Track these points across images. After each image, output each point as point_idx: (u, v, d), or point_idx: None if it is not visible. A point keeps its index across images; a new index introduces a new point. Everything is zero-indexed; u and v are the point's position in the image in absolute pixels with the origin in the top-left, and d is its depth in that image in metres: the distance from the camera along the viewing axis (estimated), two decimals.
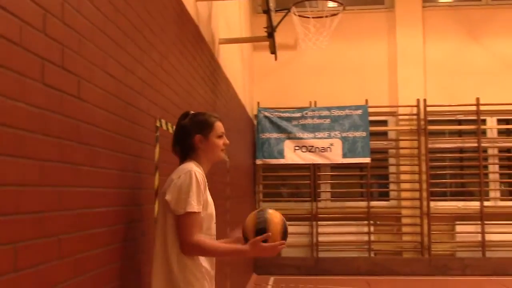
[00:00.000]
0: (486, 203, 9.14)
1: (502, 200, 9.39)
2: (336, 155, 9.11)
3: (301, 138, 9.18)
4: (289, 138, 9.22)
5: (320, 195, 9.52)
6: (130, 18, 2.62)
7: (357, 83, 9.56)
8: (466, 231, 9.11)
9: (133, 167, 2.65)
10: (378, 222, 9.31)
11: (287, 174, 9.81)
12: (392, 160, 9.71)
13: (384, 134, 9.77)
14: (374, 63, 9.65)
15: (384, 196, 9.75)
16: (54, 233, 1.78)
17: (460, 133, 9.75)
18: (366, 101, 9.28)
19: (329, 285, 8.12)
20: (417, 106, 9.37)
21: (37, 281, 1.65)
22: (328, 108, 9.24)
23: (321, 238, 9.21)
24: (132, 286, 2.63)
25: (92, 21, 2.12)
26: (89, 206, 2.08)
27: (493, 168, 9.52)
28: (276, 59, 6.75)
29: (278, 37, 6.50)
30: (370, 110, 9.22)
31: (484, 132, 9.44)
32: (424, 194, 9.20)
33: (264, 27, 6.01)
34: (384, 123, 9.73)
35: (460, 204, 9.33)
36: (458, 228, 9.15)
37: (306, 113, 9.27)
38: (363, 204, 9.28)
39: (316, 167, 9.38)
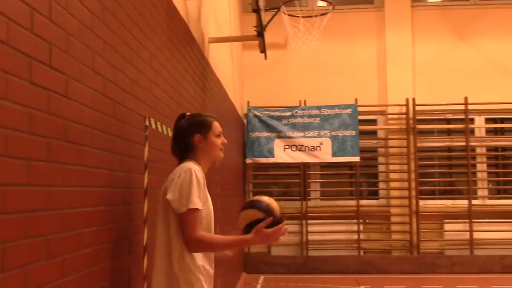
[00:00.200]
0: (474, 202, 9.22)
1: (490, 198, 9.48)
2: (325, 154, 9.14)
3: (291, 137, 9.19)
4: (279, 137, 9.23)
5: (310, 194, 9.55)
6: (118, 17, 2.61)
7: (347, 82, 9.59)
8: (455, 229, 9.18)
9: (122, 166, 2.64)
10: (368, 221, 9.35)
11: (277, 173, 9.82)
12: (381, 159, 9.76)
13: (373, 133, 9.82)
14: (364, 63, 9.69)
15: (374, 195, 9.80)
16: (42, 233, 1.76)
17: (448, 132, 9.82)
18: (356, 100, 9.32)
19: (318, 284, 8.14)
20: (406, 105, 9.42)
21: (24, 282, 1.64)
22: (318, 107, 9.26)
23: (311, 237, 9.23)
24: (122, 286, 2.62)
25: (80, 20, 2.11)
26: (78, 205, 2.07)
27: (481, 167, 9.60)
28: (266, 58, 6.75)
29: (268, 36, 6.50)
30: (360, 109, 9.26)
31: (472, 131, 9.52)
32: (413, 193, 9.25)
33: (254, 26, 6.01)
34: (374, 122, 9.78)
35: (449, 202, 9.40)
36: (447, 226, 9.22)
37: (296, 112, 9.28)
38: (353, 203, 9.32)
39: (306, 166, 9.40)
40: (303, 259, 9.12)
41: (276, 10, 6.69)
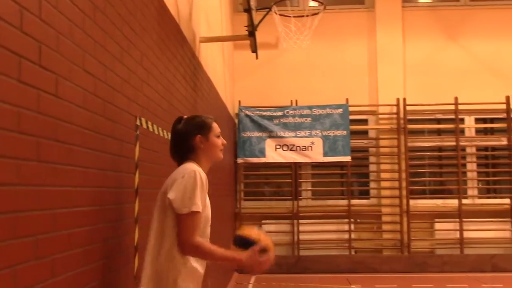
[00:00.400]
0: (464, 201, 9.27)
1: (479, 198, 9.54)
2: (317, 154, 9.15)
3: (282, 137, 9.20)
4: (270, 136, 9.23)
5: (301, 193, 9.56)
6: (109, 16, 2.59)
7: (338, 82, 9.62)
8: (445, 228, 9.23)
9: (113, 166, 2.63)
10: (359, 220, 9.38)
11: (268, 173, 9.82)
12: (372, 159, 9.79)
13: (364, 133, 9.85)
14: (355, 63, 9.72)
15: (365, 194, 9.83)
16: (31, 233, 1.75)
17: (439, 132, 9.88)
18: (347, 100, 9.34)
19: (310, 283, 8.16)
20: (397, 105, 9.46)
21: (13, 282, 1.63)
22: (309, 107, 9.28)
23: (302, 237, 9.24)
24: (112, 286, 2.61)
25: (70, 19, 2.09)
26: (68, 205, 2.06)
27: (471, 167, 9.66)
28: (257, 58, 6.75)
29: (259, 36, 6.51)
30: (351, 109, 9.29)
31: (462, 131, 9.58)
32: (404, 192, 9.29)
33: (245, 26, 6.01)
34: (365, 122, 9.81)
35: (439, 202, 9.45)
36: (437, 225, 9.27)
37: (287, 112, 9.29)
38: (344, 202, 9.34)
39: (297, 165, 9.41)
40: (295, 258, 9.13)
41: (267, 10, 6.70)
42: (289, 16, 7.36)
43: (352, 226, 9.24)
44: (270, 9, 6.77)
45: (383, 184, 9.55)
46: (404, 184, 9.31)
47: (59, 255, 1.96)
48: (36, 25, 1.81)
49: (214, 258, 2.45)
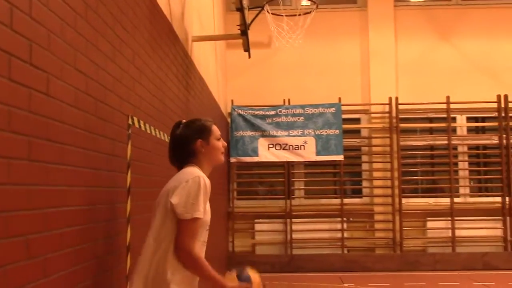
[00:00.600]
0: (456, 200, 9.32)
1: (471, 196, 9.59)
2: (309, 153, 9.16)
3: (275, 136, 9.20)
4: (263, 136, 9.23)
5: (294, 192, 9.57)
6: (101, 14, 2.58)
7: (330, 81, 9.63)
8: (437, 227, 9.28)
9: (105, 165, 2.62)
10: (351, 219, 9.40)
11: (261, 172, 9.82)
12: (365, 158, 9.82)
13: (357, 131, 9.87)
14: (347, 62, 9.74)
15: (357, 193, 9.86)
16: (22, 232, 1.74)
17: (431, 131, 9.92)
18: (339, 99, 9.36)
19: (303, 282, 8.17)
20: (389, 104, 9.49)
21: (4, 282, 1.62)
22: (302, 106, 9.28)
23: (295, 236, 9.26)
24: (105, 285, 2.60)
25: (61, 17, 2.08)
26: (59, 205, 2.05)
27: (463, 165, 9.71)
28: (249, 57, 6.75)
29: (252, 35, 6.50)
30: (343, 108, 9.30)
31: (454, 130, 9.63)
32: (396, 191, 9.33)
33: (238, 25, 6.00)
34: (357, 121, 9.83)
35: (431, 200, 9.50)
36: (429, 224, 9.31)
37: (280, 111, 9.29)
38: (337, 201, 9.36)
39: (290, 165, 9.42)
40: (288, 257, 9.14)
41: (260, 9, 6.69)
42: (282, 15, 7.36)
43: (345, 225, 9.27)
44: (262, 8, 6.76)
45: (376, 183, 9.58)
46: (396, 183, 9.34)
47: (51, 255, 1.96)
48: (27, 24, 1.80)
49: (202, 272, 2.39)
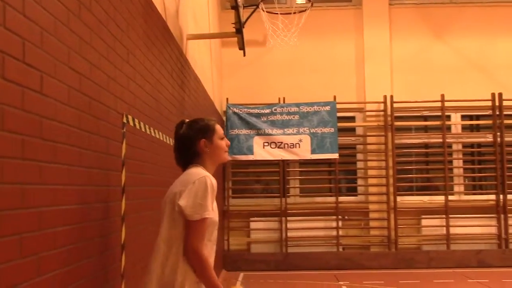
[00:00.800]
0: (450, 197, 9.35)
1: (466, 194, 9.63)
2: (304, 151, 9.16)
3: (270, 134, 9.20)
4: (258, 134, 9.22)
5: (289, 191, 9.58)
6: (94, 12, 2.57)
7: (325, 80, 9.64)
8: (432, 224, 9.31)
9: (99, 164, 2.61)
10: (346, 217, 9.42)
11: (256, 171, 9.82)
12: (359, 156, 9.83)
13: (352, 130, 9.89)
14: (342, 60, 9.75)
15: (352, 191, 9.87)
16: (16, 231, 1.73)
17: (425, 129, 9.95)
18: (334, 97, 9.36)
19: (298, 280, 8.18)
20: (384, 102, 9.51)
21: None
22: (297, 104, 9.28)
23: (290, 234, 9.26)
24: (99, 284, 2.59)
25: (54, 15, 2.07)
26: (53, 204, 2.04)
27: (457, 163, 9.75)
28: (244, 55, 6.74)
29: (247, 33, 6.50)
30: (338, 106, 9.31)
31: (448, 128, 9.66)
32: (391, 189, 9.35)
33: (233, 23, 5.99)
34: (352, 119, 9.85)
35: (426, 198, 9.53)
36: (424, 222, 9.34)
37: (275, 109, 9.29)
38: (332, 199, 9.38)
39: (285, 163, 9.42)
40: (283, 256, 9.15)
41: (255, 7, 6.68)
42: (277, 14, 7.36)
43: (340, 223, 9.28)
44: (257, 6, 6.76)
45: (371, 181, 9.60)
46: (391, 181, 9.36)
47: (45, 254, 1.95)
48: (20, 21, 1.79)
49: (206, 275, 2.38)
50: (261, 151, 9.20)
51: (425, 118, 9.84)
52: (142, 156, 3.49)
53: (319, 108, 9.27)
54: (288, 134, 9.21)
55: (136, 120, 3.32)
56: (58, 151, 2.09)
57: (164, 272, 2.35)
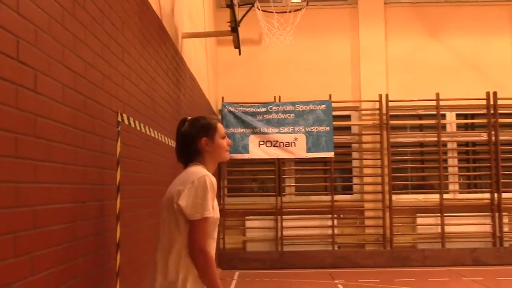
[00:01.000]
0: (445, 196, 9.38)
1: (460, 192, 9.66)
2: (300, 150, 9.17)
3: (266, 133, 9.20)
4: (253, 133, 9.22)
5: (285, 189, 9.58)
6: (89, 11, 2.57)
7: (321, 78, 9.65)
8: (427, 223, 9.34)
9: (94, 162, 2.60)
10: (342, 216, 9.44)
11: (252, 169, 9.82)
12: (355, 155, 9.85)
13: (347, 128, 9.90)
14: (338, 59, 9.76)
15: (348, 189, 9.89)
16: (10, 230, 1.73)
17: (421, 128, 9.97)
18: (330, 96, 9.37)
19: (293, 279, 8.19)
20: (380, 101, 9.52)
21: None
22: (292, 103, 9.28)
23: (285, 232, 9.27)
24: (94, 283, 2.59)
25: (49, 13, 2.07)
26: (48, 202, 2.04)
27: (452, 162, 9.78)
28: (240, 53, 6.74)
29: (242, 32, 6.49)
30: (334, 105, 9.32)
31: (443, 127, 9.69)
32: (386, 188, 9.37)
33: (228, 22, 5.99)
34: (348, 117, 9.86)
35: (421, 197, 9.56)
36: (419, 220, 9.37)
37: (271, 108, 9.29)
38: (327, 198, 9.39)
39: (280, 162, 9.43)
40: (278, 254, 9.15)
41: (250, 5, 6.68)
42: (272, 12, 7.37)
43: (335, 222, 9.30)
44: (253, 5, 6.76)
45: (366, 179, 9.62)
46: (386, 179, 9.38)
47: (39, 252, 1.94)
48: (13, 19, 1.78)
49: (210, 274, 2.39)
50: (256, 150, 9.20)
51: (420, 117, 9.87)
52: (137, 154, 3.49)
53: (314, 107, 9.28)
54: (284, 133, 9.21)
55: (131, 119, 3.31)
56: (52, 149, 2.08)
57: (168, 270, 2.35)
